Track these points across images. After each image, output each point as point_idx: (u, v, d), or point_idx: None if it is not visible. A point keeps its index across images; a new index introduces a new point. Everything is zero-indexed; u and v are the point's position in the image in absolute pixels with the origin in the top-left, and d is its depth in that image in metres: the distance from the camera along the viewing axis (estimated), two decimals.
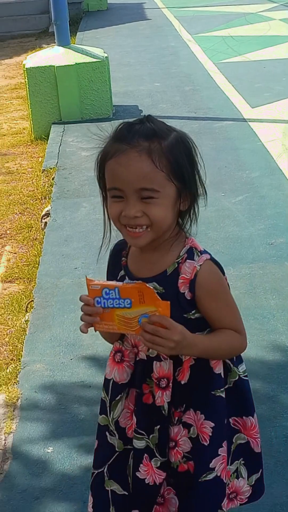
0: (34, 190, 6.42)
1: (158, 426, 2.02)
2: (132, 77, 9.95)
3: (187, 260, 1.94)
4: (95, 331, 1.96)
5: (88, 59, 8.00)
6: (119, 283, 1.86)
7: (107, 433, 2.12)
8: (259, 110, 7.94)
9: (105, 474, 2.13)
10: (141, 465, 2.04)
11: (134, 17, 15.42)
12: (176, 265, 1.95)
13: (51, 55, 8.10)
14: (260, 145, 6.79)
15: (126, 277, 2.01)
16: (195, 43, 12.06)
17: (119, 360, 2.08)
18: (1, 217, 5.90)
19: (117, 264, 2.07)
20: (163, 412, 2.01)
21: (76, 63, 7.92)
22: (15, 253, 5.23)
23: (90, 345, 3.79)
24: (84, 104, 8.01)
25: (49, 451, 3.11)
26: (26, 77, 7.93)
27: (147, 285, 1.82)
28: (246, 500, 2.21)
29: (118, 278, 2.03)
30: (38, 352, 3.82)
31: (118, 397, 2.08)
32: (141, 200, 1.86)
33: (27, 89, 7.98)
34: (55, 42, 8.41)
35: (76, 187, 6.02)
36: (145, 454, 2.04)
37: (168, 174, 1.86)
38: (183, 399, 2.02)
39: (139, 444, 2.04)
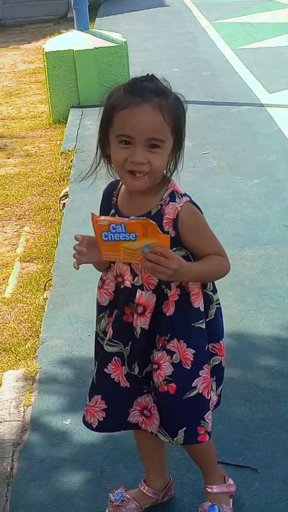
0: (52, 172, 6.49)
1: (131, 342, 2.32)
2: (150, 62, 9.96)
3: (170, 203, 2.20)
4: (102, 259, 2.19)
5: (107, 44, 8.02)
6: (125, 219, 2.08)
7: (98, 338, 2.45)
8: (276, 96, 7.95)
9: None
10: (110, 364, 2.36)
11: (153, 3, 15.39)
12: (160, 207, 2.20)
13: (70, 39, 8.13)
14: (277, 130, 6.81)
15: (116, 215, 2.25)
16: (214, 29, 12.05)
17: (100, 286, 2.39)
18: (20, 198, 5.98)
19: (108, 203, 2.33)
20: (135, 334, 2.29)
21: (95, 48, 7.95)
22: (33, 233, 5.30)
23: None
24: (103, 88, 7.88)
25: (67, 423, 3.18)
26: (45, 61, 7.96)
27: (150, 220, 2.03)
28: (213, 407, 2.47)
29: (110, 215, 2.27)
30: (56, 329, 3.89)
31: (101, 315, 2.41)
32: (147, 149, 2.11)
33: (46, 73, 8.01)
34: (73, 28, 8.44)
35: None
36: (116, 357, 2.35)
37: (172, 129, 2.13)
38: (167, 329, 2.29)
39: (110, 349, 2.35)
